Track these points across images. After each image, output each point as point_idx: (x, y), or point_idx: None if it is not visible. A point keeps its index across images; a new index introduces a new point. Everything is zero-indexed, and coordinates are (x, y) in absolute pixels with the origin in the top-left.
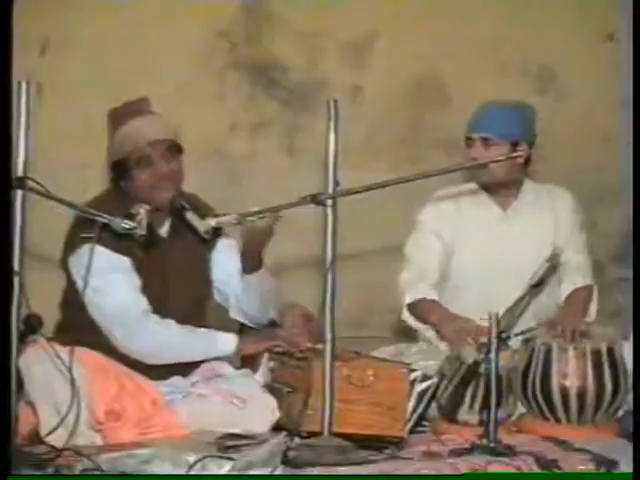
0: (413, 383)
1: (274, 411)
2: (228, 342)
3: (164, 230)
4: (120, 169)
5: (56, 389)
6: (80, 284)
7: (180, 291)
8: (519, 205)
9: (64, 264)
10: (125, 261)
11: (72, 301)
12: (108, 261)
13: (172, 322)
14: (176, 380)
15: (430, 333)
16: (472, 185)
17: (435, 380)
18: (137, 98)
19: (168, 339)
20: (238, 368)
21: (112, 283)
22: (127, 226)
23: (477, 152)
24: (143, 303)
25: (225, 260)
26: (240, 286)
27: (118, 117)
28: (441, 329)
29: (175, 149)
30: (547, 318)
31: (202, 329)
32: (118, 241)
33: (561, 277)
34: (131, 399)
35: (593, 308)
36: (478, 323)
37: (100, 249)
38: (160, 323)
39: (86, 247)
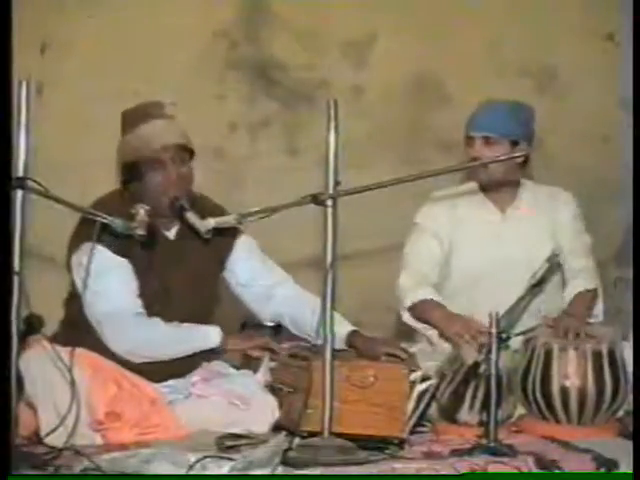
0: (413, 383)
1: (274, 411)
2: (213, 336)
3: (172, 233)
4: (131, 171)
5: (56, 389)
6: (79, 283)
7: (186, 294)
8: (518, 206)
9: (68, 262)
10: (123, 263)
11: (74, 300)
12: (106, 262)
13: (158, 320)
14: (176, 381)
15: (432, 332)
16: (470, 185)
17: (435, 380)
18: (150, 101)
19: (154, 337)
20: (238, 368)
21: (106, 284)
22: (127, 226)
23: (478, 151)
24: (136, 306)
25: (247, 259)
26: (270, 282)
27: (131, 119)
28: (444, 328)
29: (186, 153)
30: (549, 318)
31: (187, 324)
32: (119, 242)
33: (566, 281)
34: (131, 400)
35: (599, 309)
36: (481, 322)
37: (99, 249)
38: (146, 323)
39: (86, 246)
